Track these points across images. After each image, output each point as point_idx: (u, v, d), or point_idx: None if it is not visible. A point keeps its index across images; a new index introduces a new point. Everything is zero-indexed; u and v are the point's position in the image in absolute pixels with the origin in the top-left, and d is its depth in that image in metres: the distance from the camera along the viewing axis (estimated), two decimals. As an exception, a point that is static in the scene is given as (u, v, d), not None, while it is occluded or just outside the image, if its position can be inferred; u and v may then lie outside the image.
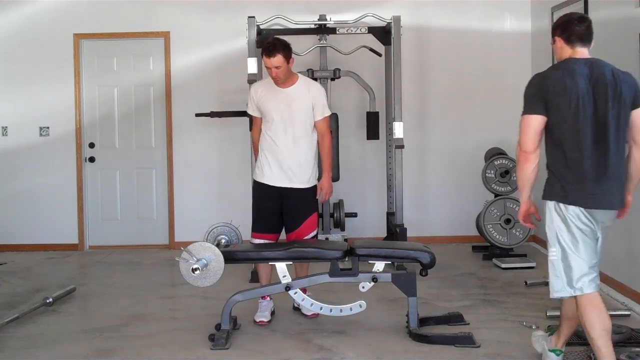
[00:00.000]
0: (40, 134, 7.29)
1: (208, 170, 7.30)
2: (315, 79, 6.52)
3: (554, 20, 6.28)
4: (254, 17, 6.13)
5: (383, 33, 6.40)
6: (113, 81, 7.32)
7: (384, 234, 6.71)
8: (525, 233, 6.25)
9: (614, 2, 5.15)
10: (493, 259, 6.23)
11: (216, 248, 4.16)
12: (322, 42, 6.50)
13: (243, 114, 6.12)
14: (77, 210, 7.31)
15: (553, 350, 3.65)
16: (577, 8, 5.75)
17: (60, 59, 7.24)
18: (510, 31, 7.17)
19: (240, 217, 6.91)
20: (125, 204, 7.36)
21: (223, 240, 4.68)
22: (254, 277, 5.72)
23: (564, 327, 3.60)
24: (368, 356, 3.97)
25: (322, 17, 6.36)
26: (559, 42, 3.56)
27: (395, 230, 6.06)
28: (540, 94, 3.41)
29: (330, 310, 4.33)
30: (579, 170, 3.31)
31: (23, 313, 4.78)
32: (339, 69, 6.51)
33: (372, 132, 6.62)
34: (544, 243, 6.79)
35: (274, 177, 4.56)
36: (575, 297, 3.33)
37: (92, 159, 7.34)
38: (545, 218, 3.50)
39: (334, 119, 6.60)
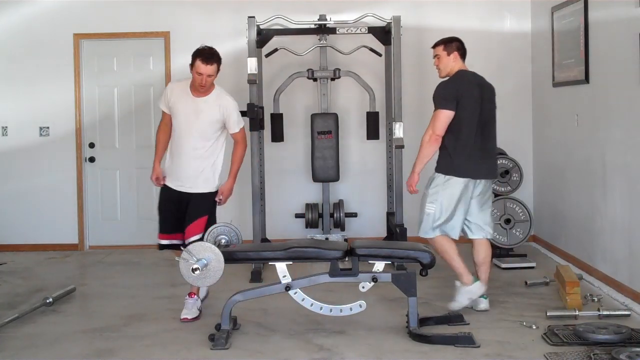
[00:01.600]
0: (40, 134, 7.29)
1: (208, 170, 7.28)
2: (315, 79, 6.55)
3: (554, 21, 6.32)
4: (254, 17, 6.13)
5: (383, 33, 6.40)
6: (113, 81, 7.32)
7: (384, 234, 6.71)
8: (525, 233, 6.25)
9: (614, 2, 5.15)
10: (493, 259, 6.22)
11: (216, 248, 4.16)
12: (322, 42, 6.50)
13: (243, 114, 6.12)
14: (77, 210, 7.31)
15: (482, 296, 4.73)
16: (577, 8, 5.75)
17: (60, 59, 7.24)
18: (510, 31, 7.17)
19: (240, 217, 6.96)
20: (125, 204, 7.36)
21: (223, 240, 4.68)
22: (254, 277, 5.73)
23: (481, 273, 4.79)
24: (368, 356, 3.98)
25: (322, 17, 6.37)
26: (456, 56, 4.80)
27: (395, 230, 6.06)
28: (453, 95, 4.59)
29: (330, 310, 4.33)
30: (470, 151, 4.59)
31: (23, 313, 4.78)
32: (339, 69, 6.52)
33: (372, 132, 6.62)
34: (544, 243, 6.80)
35: (175, 181, 4.80)
36: (435, 239, 4.71)
37: (92, 159, 7.34)
38: (432, 184, 4.74)
39: (333, 118, 6.62)
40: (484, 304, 4.73)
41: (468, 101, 4.58)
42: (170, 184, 4.79)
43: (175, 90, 4.75)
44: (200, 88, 4.64)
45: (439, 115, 4.58)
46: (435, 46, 4.86)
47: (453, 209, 4.65)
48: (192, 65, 4.64)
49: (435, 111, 4.63)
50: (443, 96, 4.62)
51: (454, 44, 4.78)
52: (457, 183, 4.61)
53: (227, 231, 4.69)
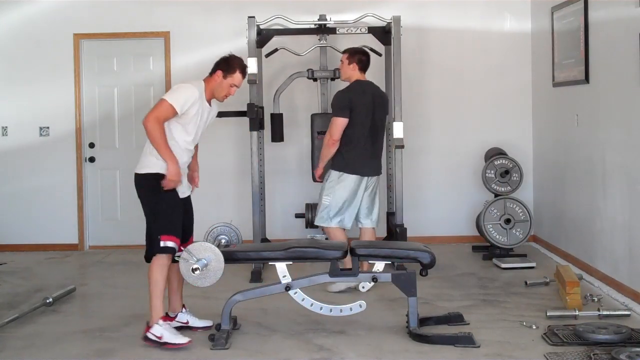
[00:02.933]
0: (40, 134, 7.29)
1: (208, 170, 7.24)
2: (315, 79, 6.54)
3: (554, 21, 6.32)
4: (254, 17, 6.13)
5: (383, 33, 6.40)
6: (113, 81, 7.31)
7: (384, 234, 6.71)
8: (525, 233, 6.25)
9: (614, 2, 5.15)
10: (493, 259, 6.23)
11: (216, 248, 4.16)
12: (322, 42, 6.50)
13: (243, 114, 6.14)
14: (77, 210, 7.30)
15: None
16: (577, 8, 5.75)
17: (60, 59, 7.24)
18: (510, 31, 7.17)
19: (240, 217, 6.95)
20: (125, 204, 7.35)
21: (223, 240, 4.69)
22: (254, 277, 5.73)
23: None
24: (368, 356, 3.98)
25: (322, 17, 6.36)
26: (355, 67, 5.36)
27: (395, 230, 6.06)
28: (348, 104, 5.20)
29: (330, 310, 4.33)
30: (360, 152, 5.26)
31: (23, 313, 4.79)
32: (339, 69, 6.50)
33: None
34: (544, 243, 6.80)
35: (181, 188, 4.43)
36: (330, 227, 5.29)
37: (92, 159, 7.34)
38: (328, 179, 5.33)
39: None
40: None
41: (360, 109, 5.22)
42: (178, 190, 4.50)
43: (197, 97, 4.27)
44: (224, 99, 4.42)
45: (335, 122, 5.21)
46: (343, 52, 5.54)
47: (345, 202, 5.28)
48: (224, 72, 4.30)
49: (332, 118, 5.26)
50: (338, 105, 5.25)
51: (356, 56, 5.38)
52: (349, 179, 5.27)
53: (227, 231, 4.70)
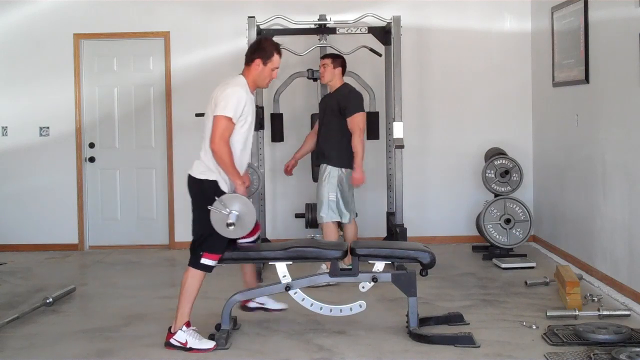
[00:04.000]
0: (40, 134, 7.29)
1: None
2: (315, 79, 6.54)
3: (554, 21, 6.31)
4: (254, 17, 6.13)
5: (383, 33, 6.40)
6: (113, 81, 7.32)
7: (384, 234, 6.71)
8: (525, 233, 6.25)
9: (614, 2, 5.15)
10: (493, 259, 6.23)
11: (247, 199, 4.10)
12: (322, 42, 6.50)
13: (243, 114, 6.14)
14: (77, 210, 7.30)
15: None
16: (577, 8, 5.75)
17: (60, 59, 7.24)
18: (510, 31, 7.17)
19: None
20: (125, 204, 7.36)
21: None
22: (254, 277, 5.73)
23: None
24: (368, 356, 3.98)
25: (322, 17, 6.36)
26: (339, 70, 5.68)
27: (395, 230, 6.06)
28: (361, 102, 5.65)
29: (330, 310, 4.33)
30: (348, 146, 5.57)
31: (23, 313, 4.79)
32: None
33: (372, 132, 6.61)
34: (544, 243, 6.80)
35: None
36: (329, 223, 5.55)
37: (92, 159, 7.34)
38: (328, 176, 5.55)
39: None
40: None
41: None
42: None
43: (245, 96, 4.16)
44: (268, 85, 4.38)
45: (363, 117, 5.65)
46: (324, 57, 5.79)
47: (348, 197, 5.64)
48: (263, 59, 4.20)
49: (356, 114, 5.56)
50: (360, 102, 5.65)
51: (339, 61, 5.71)
52: (346, 174, 5.59)
53: (251, 172, 4.68)
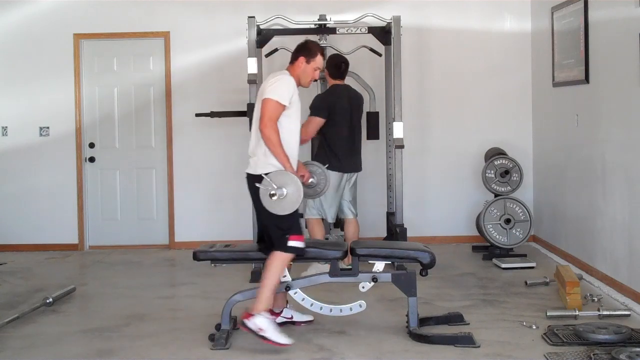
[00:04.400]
0: (40, 134, 7.29)
1: (208, 170, 7.30)
2: (315, 80, 6.53)
3: (554, 21, 6.32)
4: (254, 17, 6.13)
5: (383, 33, 6.39)
6: (113, 81, 7.32)
7: (384, 234, 6.71)
8: (525, 233, 6.25)
9: (614, 2, 5.15)
10: (493, 259, 6.23)
11: (297, 177, 4.09)
12: (322, 42, 6.49)
13: (243, 114, 6.14)
14: (77, 210, 7.30)
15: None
16: (577, 8, 5.75)
17: (60, 59, 7.24)
18: (510, 31, 7.17)
19: (240, 217, 6.95)
20: (125, 204, 7.36)
21: (311, 180, 4.72)
22: (254, 277, 5.72)
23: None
24: (368, 356, 3.97)
25: (322, 17, 6.36)
26: (326, 73, 5.81)
27: (395, 230, 6.06)
28: (326, 105, 5.62)
29: (330, 310, 4.33)
30: (343, 150, 5.67)
31: (23, 313, 4.78)
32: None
33: (372, 132, 6.61)
34: (544, 243, 6.80)
35: None
36: (312, 219, 5.73)
37: (92, 159, 7.34)
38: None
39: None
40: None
41: (339, 110, 5.64)
42: None
43: (295, 88, 4.28)
44: (309, 84, 4.46)
45: (312, 121, 5.58)
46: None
47: (329, 196, 5.59)
48: (307, 58, 4.31)
49: (309, 117, 5.57)
50: (316, 106, 5.65)
51: (326, 63, 5.81)
52: (336, 175, 5.60)
53: (319, 173, 4.76)
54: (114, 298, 5.40)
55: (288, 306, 4.51)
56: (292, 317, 4.48)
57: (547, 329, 4.24)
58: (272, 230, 4.19)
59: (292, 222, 4.16)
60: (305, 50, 4.36)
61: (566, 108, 6.16)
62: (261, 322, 4.04)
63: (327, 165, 5.09)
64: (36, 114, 7.27)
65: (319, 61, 4.37)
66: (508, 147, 6.83)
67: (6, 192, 7.31)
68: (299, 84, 4.35)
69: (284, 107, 4.16)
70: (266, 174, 4.07)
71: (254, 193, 4.19)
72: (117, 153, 7.35)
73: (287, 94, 4.18)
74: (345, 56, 6.79)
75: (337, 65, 5.81)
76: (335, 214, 5.79)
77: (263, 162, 4.17)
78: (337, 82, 5.81)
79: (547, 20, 6.53)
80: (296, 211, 4.15)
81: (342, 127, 5.67)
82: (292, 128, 4.25)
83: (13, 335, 4.45)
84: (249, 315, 4.08)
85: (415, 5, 7.10)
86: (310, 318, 4.50)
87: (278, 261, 4.13)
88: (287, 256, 4.16)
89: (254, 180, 4.18)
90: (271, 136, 4.10)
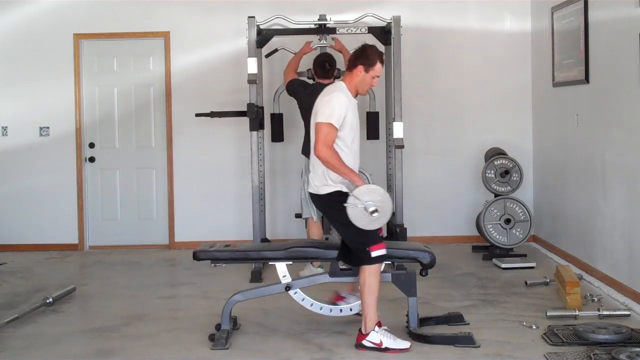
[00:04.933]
0: (40, 134, 7.29)
1: (208, 170, 7.30)
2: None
3: (554, 21, 6.31)
4: (254, 17, 6.13)
5: (383, 33, 6.39)
6: (113, 81, 7.31)
7: (384, 234, 6.71)
8: (525, 233, 6.25)
9: (614, 2, 5.15)
10: (493, 259, 6.23)
11: (380, 188, 4.04)
12: (322, 42, 6.49)
13: (243, 114, 6.14)
14: (77, 210, 7.30)
15: (320, 267, 5.55)
16: (577, 8, 5.75)
17: (60, 59, 7.24)
18: (510, 31, 7.17)
19: (240, 217, 6.95)
20: (125, 204, 7.36)
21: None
22: (254, 277, 5.73)
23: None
24: (368, 356, 3.98)
25: (322, 17, 6.36)
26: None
27: (395, 230, 6.06)
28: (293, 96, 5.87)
29: (330, 310, 4.34)
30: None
31: (23, 313, 4.79)
32: (339, 69, 6.50)
33: (372, 132, 6.61)
34: (544, 243, 6.80)
35: None
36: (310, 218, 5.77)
37: (92, 159, 7.33)
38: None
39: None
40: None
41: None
42: None
43: (347, 102, 4.12)
44: (367, 92, 4.36)
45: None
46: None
47: None
48: (365, 67, 4.12)
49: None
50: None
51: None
52: None
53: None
54: (114, 298, 5.40)
55: (352, 294, 4.46)
56: (344, 297, 4.45)
57: (547, 329, 4.24)
58: (353, 244, 4.12)
59: (370, 234, 4.07)
60: (364, 58, 4.15)
61: (566, 108, 6.16)
62: (375, 338, 4.03)
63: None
64: (36, 114, 7.27)
65: (378, 69, 4.16)
66: (508, 147, 6.83)
67: (6, 192, 7.31)
68: (356, 94, 4.22)
69: (337, 129, 4.05)
70: (347, 195, 4.00)
71: (322, 209, 4.25)
72: (117, 153, 7.35)
73: (337, 115, 4.04)
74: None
75: (321, 65, 5.85)
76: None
77: (323, 183, 4.12)
78: (322, 80, 5.78)
79: (547, 20, 6.53)
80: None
81: (310, 120, 5.71)
82: (345, 150, 4.11)
83: (13, 335, 4.45)
84: (362, 336, 4.07)
85: (415, 5, 7.10)
86: (357, 311, 4.37)
87: (370, 276, 4.06)
88: (376, 268, 4.08)
89: (319, 199, 4.17)
90: (329, 159, 4.02)
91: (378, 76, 4.21)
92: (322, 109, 4.08)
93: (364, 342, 4.04)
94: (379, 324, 4.09)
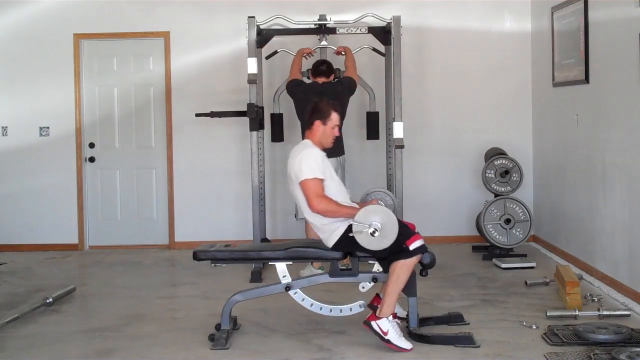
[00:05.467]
0: (40, 134, 7.29)
1: (208, 170, 7.30)
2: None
3: (554, 21, 6.31)
4: (254, 17, 6.13)
5: (383, 33, 6.39)
6: (113, 81, 7.32)
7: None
8: (525, 233, 6.25)
9: (614, 2, 5.15)
10: (493, 259, 6.23)
11: (381, 206, 4.11)
12: (322, 42, 6.49)
13: (243, 114, 6.14)
14: (77, 210, 7.30)
15: (320, 268, 5.58)
16: (577, 8, 5.75)
17: (60, 59, 7.24)
18: (510, 31, 7.17)
19: (240, 217, 6.95)
20: (125, 204, 7.36)
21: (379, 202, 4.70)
22: (254, 277, 5.73)
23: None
24: (368, 356, 3.98)
25: (322, 17, 6.36)
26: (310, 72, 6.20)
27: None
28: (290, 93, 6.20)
29: (330, 310, 4.33)
30: None
31: (23, 313, 4.78)
32: (339, 69, 6.51)
33: (372, 132, 6.62)
34: (544, 243, 6.80)
35: None
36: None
37: (92, 159, 7.34)
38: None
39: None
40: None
41: (306, 103, 5.58)
42: None
43: (320, 154, 4.30)
44: (332, 143, 4.43)
45: None
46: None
47: None
48: (322, 120, 4.30)
49: None
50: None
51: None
52: None
53: (383, 196, 4.81)
54: (114, 298, 5.40)
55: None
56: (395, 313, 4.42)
57: (547, 329, 4.24)
58: (392, 247, 4.11)
59: (402, 232, 4.10)
60: (318, 113, 4.32)
61: (566, 108, 6.16)
62: (384, 325, 4.04)
63: None
64: (36, 114, 7.28)
65: (334, 119, 4.32)
66: (508, 147, 6.83)
67: (6, 192, 7.31)
68: (322, 147, 4.33)
69: (322, 180, 4.18)
70: (351, 225, 4.06)
71: (346, 249, 4.22)
72: (117, 153, 7.35)
73: (316, 166, 4.18)
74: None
75: (316, 66, 6.11)
76: None
77: (330, 233, 4.20)
78: (317, 79, 6.05)
79: (547, 20, 6.53)
80: (399, 222, 4.14)
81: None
82: (333, 187, 4.27)
83: (13, 335, 4.45)
84: (375, 317, 4.08)
85: (415, 5, 7.10)
86: (404, 315, 4.40)
87: (402, 268, 4.07)
88: (411, 261, 4.10)
89: (337, 246, 4.20)
90: (328, 208, 4.14)
91: (337, 125, 4.35)
92: (300, 167, 4.18)
93: (373, 324, 4.06)
94: (394, 315, 4.10)
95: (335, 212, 4.15)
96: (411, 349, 4.02)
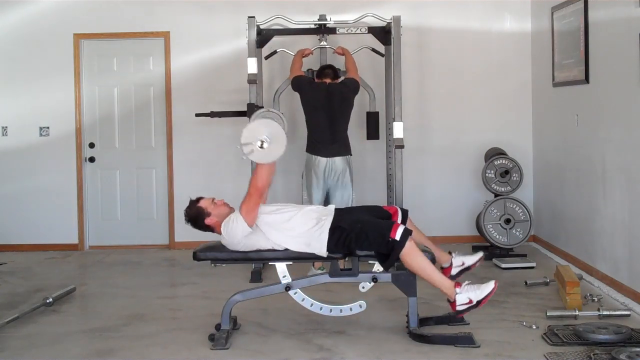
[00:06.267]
0: (40, 134, 7.29)
1: (208, 170, 7.30)
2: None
3: (554, 21, 6.31)
4: (254, 17, 6.13)
5: (383, 33, 6.39)
6: (113, 81, 7.32)
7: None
8: (525, 233, 6.25)
9: (614, 2, 5.15)
10: (493, 259, 6.23)
11: (259, 119, 4.16)
12: (322, 42, 6.49)
13: (243, 114, 6.14)
14: (77, 210, 7.31)
15: (320, 268, 5.67)
16: (577, 8, 5.75)
17: (60, 59, 7.24)
18: (510, 31, 7.17)
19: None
20: (125, 204, 7.36)
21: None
22: (254, 277, 5.73)
23: None
24: (368, 356, 3.98)
25: (322, 17, 6.36)
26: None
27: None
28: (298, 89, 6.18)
29: (330, 310, 4.33)
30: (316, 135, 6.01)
31: (23, 313, 4.78)
32: (339, 69, 6.51)
33: (372, 132, 6.61)
34: (544, 243, 6.80)
35: None
36: None
37: (92, 159, 7.34)
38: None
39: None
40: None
41: (311, 101, 6.05)
42: None
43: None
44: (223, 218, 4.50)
45: None
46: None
47: (310, 177, 6.01)
48: (207, 218, 4.48)
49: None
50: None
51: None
52: (307, 156, 6.10)
53: (274, 116, 4.66)
54: (114, 298, 5.40)
55: (454, 255, 4.44)
56: (463, 264, 4.42)
57: (547, 329, 4.24)
58: (378, 245, 4.10)
59: (379, 225, 4.12)
60: (199, 218, 4.44)
61: (566, 108, 6.16)
62: (464, 298, 4.03)
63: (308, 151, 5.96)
64: (36, 114, 7.28)
65: (215, 213, 4.43)
66: (508, 147, 6.84)
67: (6, 192, 7.31)
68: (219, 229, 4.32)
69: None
70: (242, 145, 4.07)
71: (340, 243, 4.19)
72: (117, 153, 7.35)
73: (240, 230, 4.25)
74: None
75: (320, 69, 6.21)
76: (322, 198, 5.88)
77: (316, 238, 4.19)
78: (322, 80, 6.08)
79: (547, 20, 6.53)
80: (374, 220, 4.18)
81: (314, 116, 5.96)
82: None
83: (13, 335, 4.45)
84: (453, 304, 4.07)
85: (415, 5, 7.10)
86: (479, 255, 4.42)
87: (410, 256, 4.05)
88: (409, 248, 4.05)
89: (332, 241, 4.17)
90: (249, 199, 4.27)
91: (217, 218, 4.40)
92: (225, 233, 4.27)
93: (458, 308, 4.06)
94: (458, 285, 4.08)
95: (259, 178, 4.24)
96: (496, 282, 4.04)
